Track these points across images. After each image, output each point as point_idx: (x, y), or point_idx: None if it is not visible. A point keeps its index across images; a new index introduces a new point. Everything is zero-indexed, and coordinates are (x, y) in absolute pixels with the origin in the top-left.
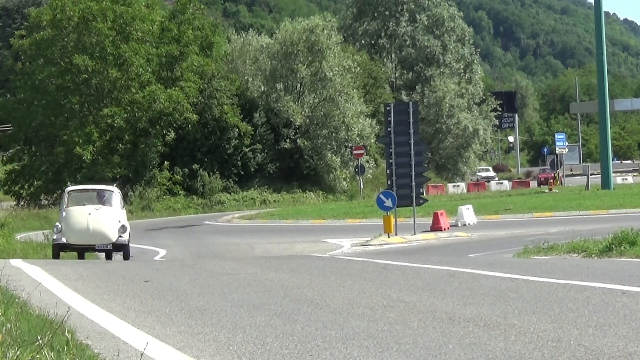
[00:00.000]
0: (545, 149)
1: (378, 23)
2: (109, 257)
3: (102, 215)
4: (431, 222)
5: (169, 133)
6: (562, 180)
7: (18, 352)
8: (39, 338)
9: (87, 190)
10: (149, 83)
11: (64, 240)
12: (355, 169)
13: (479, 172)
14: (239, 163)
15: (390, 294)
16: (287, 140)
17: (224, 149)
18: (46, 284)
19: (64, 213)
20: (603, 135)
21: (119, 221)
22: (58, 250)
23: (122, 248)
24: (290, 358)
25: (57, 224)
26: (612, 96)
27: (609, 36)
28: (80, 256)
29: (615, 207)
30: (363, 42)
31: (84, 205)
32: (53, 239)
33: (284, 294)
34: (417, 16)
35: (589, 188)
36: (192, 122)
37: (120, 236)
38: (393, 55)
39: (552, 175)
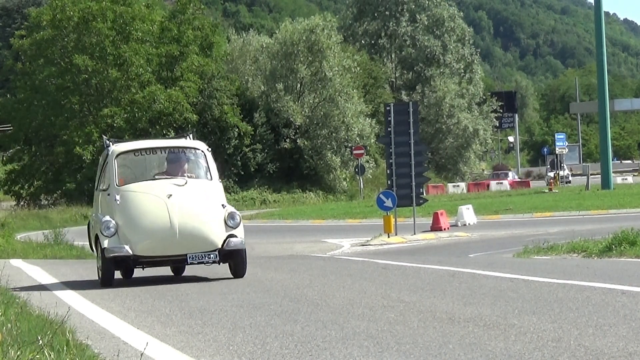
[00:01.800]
0: (545, 149)
1: (378, 23)
2: (177, 270)
3: (192, 197)
4: (431, 222)
5: (169, 133)
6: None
7: (18, 352)
8: (39, 338)
9: (152, 149)
10: (149, 83)
11: (126, 250)
12: (355, 169)
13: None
14: (239, 163)
15: (390, 294)
16: (287, 140)
17: (224, 149)
18: (46, 284)
19: (117, 197)
20: (603, 135)
21: (223, 205)
22: (114, 268)
23: (234, 256)
24: (290, 358)
25: (106, 218)
26: (612, 96)
27: (609, 36)
28: (128, 273)
29: (615, 207)
30: (363, 42)
31: (155, 179)
32: (103, 249)
33: (284, 294)
34: (417, 16)
35: (589, 188)
36: (192, 122)
37: (230, 235)
38: (393, 55)
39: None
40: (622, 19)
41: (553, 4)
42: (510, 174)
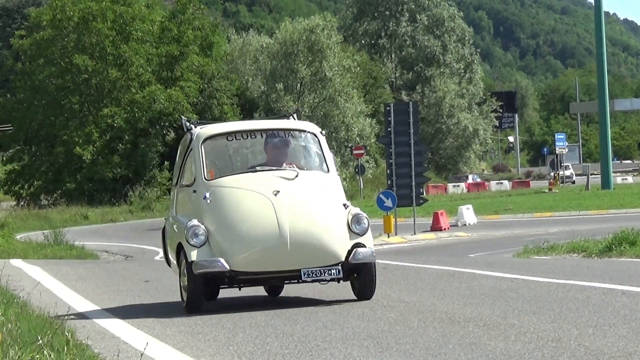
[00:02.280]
0: (545, 149)
1: (378, 23)
2: (274, 290)
3: (305, 194)
4: (431, 222)
5: (169, 133)
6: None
7: (18, 352)
8: (39, 338)
9: (249, 132)
10: (149, 83)
11: (222, 264)
12: (355, 169)
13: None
14: None
15: (390, 294)
16: None
17: None
18: (46, 284)
19: (207, 195)
20: (603, 135)
21: (345, 205)
22: (204, 288)
23: (360, 272)
24: (290, 358)
25: (194, 223)
26: (612, 96)
27: (609, 36)
28: (211, 295)
29: (615, 207)
30: (363, 42)
31: (255, 171)
32: (189, 263)
33: (284, 294)
34: (417, 16)
35: (589, 188)
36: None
37: (357, 244)
38: (393, 55)
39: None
40: (622, 19)
41: (553, 4)
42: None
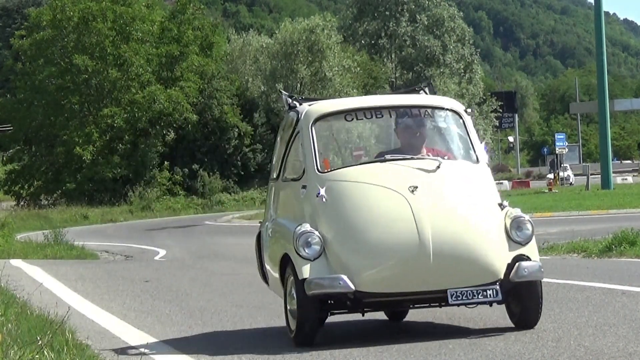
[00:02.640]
0: (545, 149)
1: (378, 23)
2: (397, 313)
3: (450, 191)
4: None
5: (169, 133)
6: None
7: (18, 352)
8: (39, 338)
9: (374, 110)
10: (149, 83)
11: (345, 282)
12: None
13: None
14: (239, 163)
15: None
16: None
17: (224, 149)
18: (46, 284)
19: (322, 192)
20: (603, 135)
21: (501, 205)
22: (318, 310)
23: (523, 292)
24: (290, 358)
25: (305, 228)
26: (612, 96)
27: (609, 36)
28: (319, 321)
29: (615, 207)
30: (363, 42)
31: (384, 161)
32: (302, 281)
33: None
34: (417, 16)
35: (589, 188)
36: (192, 122)
37: (519, 257)
38: (393, 55)
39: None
40: (622, 19)
41: (553, 4)
42: None
